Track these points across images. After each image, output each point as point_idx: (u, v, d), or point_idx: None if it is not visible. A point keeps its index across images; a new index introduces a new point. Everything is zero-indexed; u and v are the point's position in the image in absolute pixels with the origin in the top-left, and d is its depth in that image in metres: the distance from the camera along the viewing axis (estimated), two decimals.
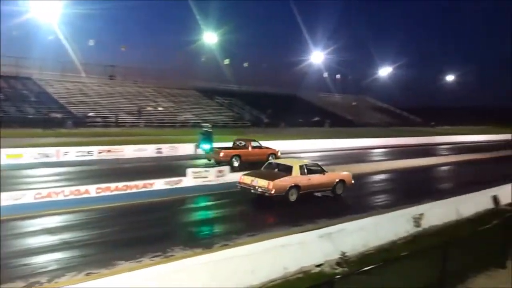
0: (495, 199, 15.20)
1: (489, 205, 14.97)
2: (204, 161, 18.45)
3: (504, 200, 15.55)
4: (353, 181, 17.24)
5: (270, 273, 8.26)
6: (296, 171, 15.44)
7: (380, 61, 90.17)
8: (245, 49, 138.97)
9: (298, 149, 32.52)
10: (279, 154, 25.25)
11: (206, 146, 18.29)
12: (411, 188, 19.51)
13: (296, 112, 60.66)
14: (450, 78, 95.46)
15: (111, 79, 61.32)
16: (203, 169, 17.55)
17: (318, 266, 8.95)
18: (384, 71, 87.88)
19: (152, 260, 9.31)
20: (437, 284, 7.45)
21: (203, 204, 15.48)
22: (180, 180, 16.62)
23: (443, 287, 7.40)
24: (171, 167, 21.73)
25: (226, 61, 69.74)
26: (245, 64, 78.78)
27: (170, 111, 54.77)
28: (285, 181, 14.91)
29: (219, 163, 21.60)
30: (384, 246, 10.27)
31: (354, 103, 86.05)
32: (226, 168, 18.07)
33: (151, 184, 15.67)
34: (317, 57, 74.22)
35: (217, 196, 15.99)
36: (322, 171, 16.29)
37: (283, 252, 8.74)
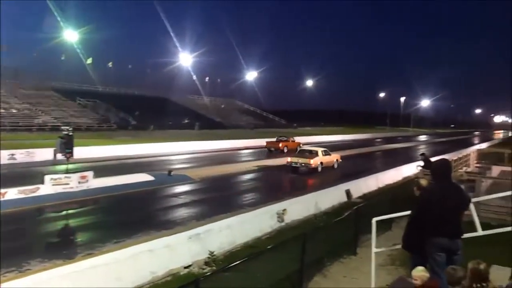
0: (348, 193, 16.75)
1: (343, 198, 16.45)
2: (65, 166, 17.09)
3: (355, 193, 17.21)
4: (340, 160, 27.48)
5: (137, 279, 8.08)
6: (320, 154, 25.50)
7: (247, 65, 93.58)
8: (110, 48, 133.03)
9: (168, 151, 32.21)
10: (301, 145, 37.19)
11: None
12: (277, 185, 20.56)
13: (166, 115, 59.90)
14: (310, 83, 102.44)
15: None
16: (63, 175, 16.36)
17: (186, 267, 8.99)
18: (251, 75, 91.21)
19: (5, 277, 8.45)
20: (297, 274, 7.97)
21: (64, 212, 14.42)
22: (37, 188, 15.30)
23: (302, 276, 7.94)
24: (27, 174, 19.91)
25: (89, 61, 66.04)
26: (110, 64, 75.52)
27: (25, 114, 50.10)
28: (317, 160, 24.90)
29: (272, 150, 36.90)
30: (249, 243, 10.70)
31: (222, 106, 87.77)
32: (90, 174, 17.11)
33: (3, 194, 14.18)
34: (186, 59, 74.07)
35: (80, 204, 15.10)
36: (329, 154, 26.51)
37: (151, 256, 8.61)
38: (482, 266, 4.32)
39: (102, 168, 21.74)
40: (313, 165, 24.39)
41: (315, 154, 25.50)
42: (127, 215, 14.21)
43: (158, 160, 28.13)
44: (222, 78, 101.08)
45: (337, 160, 27.21)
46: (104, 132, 46.96)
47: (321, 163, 25.12)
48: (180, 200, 16.24)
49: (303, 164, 24.48)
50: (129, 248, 8.93)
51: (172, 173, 21.01)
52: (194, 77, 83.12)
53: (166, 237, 9.80)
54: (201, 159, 30.43)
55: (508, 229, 6.02)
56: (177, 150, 33.47)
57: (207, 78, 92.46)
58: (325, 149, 26.81)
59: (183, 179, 20.27)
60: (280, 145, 37.67)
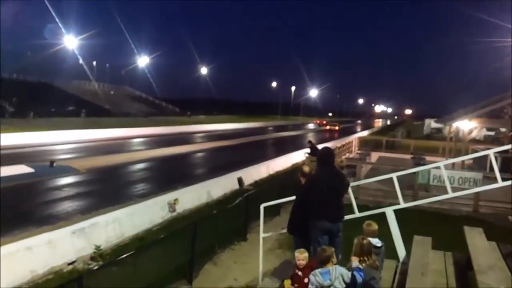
0: (240, 180, 17.04)
1: (235, 186, 16.71)
2: None
3: (247, 181, 17.57)
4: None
5: (14, 279, 7.51)
6: (337, 124, 78.99)
7: (139, 50, 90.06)
8: None
9: (50, 141, 30.00)
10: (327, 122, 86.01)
11: None
12: (169, 175, 20.22)
13: (49, 101, 55.83)
14: (204, 71, 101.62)
15: None
16: None
17: (70, 264, 8.50)
18: (142, 61, 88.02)
19: None
20: (188, 264, 7.93)
21: None
22: None
23: (193, 266, 7.92)
24: None
25: None
26: None
27: None
28: (337, 126, 75.51)
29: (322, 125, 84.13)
30: (139, 235, 10.41)
31: (112, 92, 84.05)
32: None
33: None
34: (71, 42, 68.91)
35: None
36: (340, 124, 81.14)
37: (30, 254, 8.02)
38: (365, 241, 4.72)
39: None
40: (337, 128, 70.27)
41: (336, 124, 75.07)
42: (2, 211, 12.97)
43: (39, 150, 26.05)
44: (112, 63, 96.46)
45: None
46: None
47: (338, 127, 71.17)
48: (63, 193, 15.23)
49: (333, 127, 71.00)
50: (4, 246, 8.16)
51: (55, 164, 19.73)
52: (81, 61, 77.96)
53: (47, 233, 9.18)
54: (88, 149, 28.86)
55: (381, 210, 6.53)
56: (60, 140, 31.31)
57: (94, 63, 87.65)
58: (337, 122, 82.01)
59: (67, 171, 19.05)
60: (324, 122, 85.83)
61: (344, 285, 4.44)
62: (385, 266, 5.82)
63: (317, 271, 4.60)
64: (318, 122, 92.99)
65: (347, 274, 4.47)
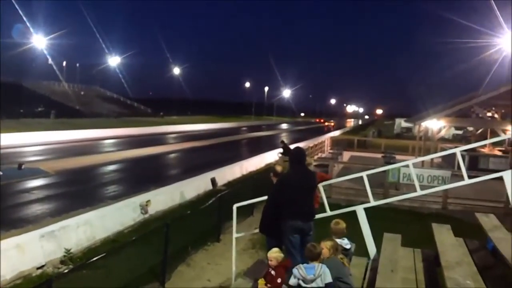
0: (213, 181, 16.98)
1: (209, 186, 16.64)
2: None
3: (220, 181, 17.53)
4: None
5: None
6: (333, 121, 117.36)
7: (110, 50, 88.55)
8: None
9: (19, 143, 29.16)
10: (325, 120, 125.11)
11: None
12: (141, 176, 19.99)
13: (17, 102, 54.40)
14: (177, 71, 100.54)
15: None
16: None
17: (39, 268, 8.31)
18: (114, 61, 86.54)
19: None
20: (160, 266, 7.86)
21: None
22: None
23: (165, 268, 7.85)
24: None
25: None
26: None
27: None
28: (333, 123, 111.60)
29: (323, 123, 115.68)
30: (111, 237, 10.24)
31: (82, 93, 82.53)
32: None
33: None
34: (40, 41, 67.08)
35: None
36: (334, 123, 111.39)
37: None
38: (334, 243, 4.95)
39: None
40: (333, 124, 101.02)
41: (332, 121, 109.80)
42: None
43: (7, 152, 25.29)
44: (82, 63, 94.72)
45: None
46: None
47: (334, 124, 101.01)
48: (32, 196, 14.87)
49: (330, 123, 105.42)
50: None
51: (23, 166, 19.19)
52: (50, 61, 76.06)
53: (15, 236, 8.93)
54: (58, 150, 28.27)
55: (352, 208, 6.60)
56: (29, 141, 30.55)
57: (64, 63, 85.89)
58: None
59: (36, 173, 18.62)
60: (322, 120, 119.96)
61: (323, 285, 4.46)
62: (355, 263, 5.90)
63: (302, 265, 4.62)
64: (317, 120, 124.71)
65: (329, 277, 4.49)
